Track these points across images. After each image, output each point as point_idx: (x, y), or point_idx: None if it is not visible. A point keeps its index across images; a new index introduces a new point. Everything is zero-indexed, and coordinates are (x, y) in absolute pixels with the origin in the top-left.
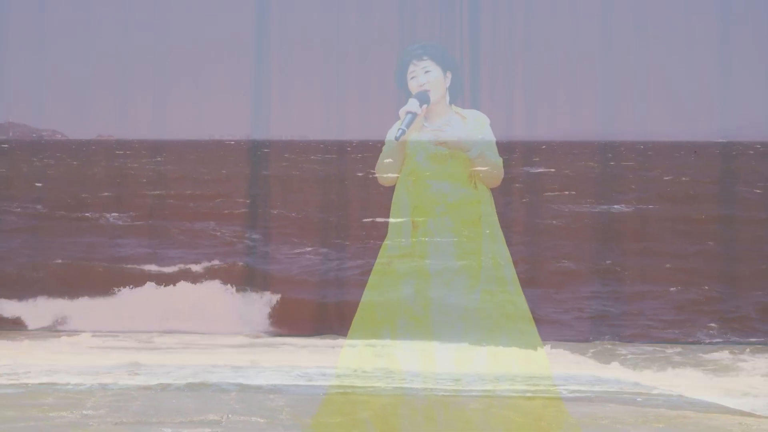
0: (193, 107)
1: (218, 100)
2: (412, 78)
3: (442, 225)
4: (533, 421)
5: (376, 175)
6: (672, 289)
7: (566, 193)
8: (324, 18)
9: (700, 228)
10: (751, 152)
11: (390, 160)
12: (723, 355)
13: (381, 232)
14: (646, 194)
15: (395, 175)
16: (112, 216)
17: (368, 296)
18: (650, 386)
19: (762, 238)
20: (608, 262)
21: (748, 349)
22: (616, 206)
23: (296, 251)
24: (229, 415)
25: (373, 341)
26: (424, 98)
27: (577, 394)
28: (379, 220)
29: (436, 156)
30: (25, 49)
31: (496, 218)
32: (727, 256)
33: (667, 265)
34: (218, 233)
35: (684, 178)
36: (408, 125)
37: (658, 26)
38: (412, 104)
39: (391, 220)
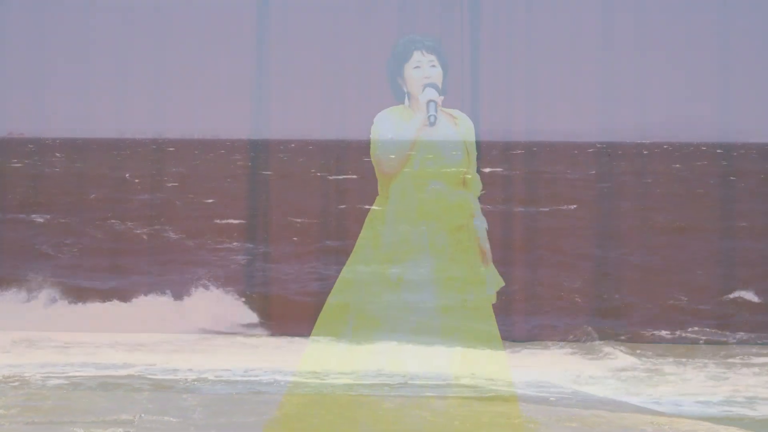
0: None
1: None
2: (417, 68)
3: (437, 227)
4: (446, 420)
5: (378, 162)
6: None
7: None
8: (324, 15)
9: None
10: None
11: (393, 156)
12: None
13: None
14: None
15: (401, 164)
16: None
17: (333, 298)
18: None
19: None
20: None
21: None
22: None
23: None
24: (142, 415)
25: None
26: (438, 89)
27: (492, 394)
28: None
29: (437, 155)
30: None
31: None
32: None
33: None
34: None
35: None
36: (436, 111)
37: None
38: (432, 93)
39: (390, 213)
